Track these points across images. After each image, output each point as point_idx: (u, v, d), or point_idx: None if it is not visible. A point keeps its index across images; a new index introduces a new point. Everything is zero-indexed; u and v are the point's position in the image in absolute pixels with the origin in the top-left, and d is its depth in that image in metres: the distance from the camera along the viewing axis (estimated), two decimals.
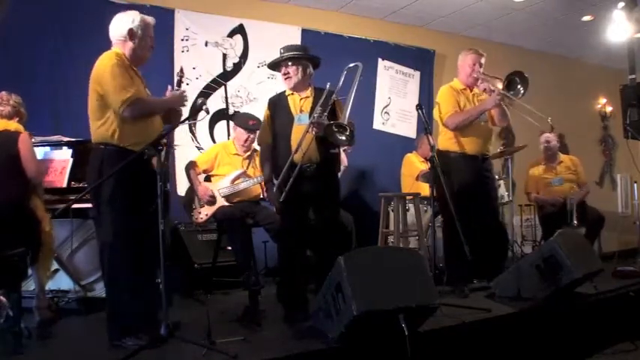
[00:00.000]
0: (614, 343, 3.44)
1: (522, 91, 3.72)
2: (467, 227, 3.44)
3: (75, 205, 3.31)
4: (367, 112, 5.93)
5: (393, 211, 4.45)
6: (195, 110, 3.17)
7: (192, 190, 4.19)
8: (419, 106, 3.83)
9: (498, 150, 5.21)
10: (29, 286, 3.48)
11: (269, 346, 2.69)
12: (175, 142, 4.16)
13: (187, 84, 5.02)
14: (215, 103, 5.18)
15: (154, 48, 2.97)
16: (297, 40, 5.38)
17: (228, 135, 5.13)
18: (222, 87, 5.28)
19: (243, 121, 4.26)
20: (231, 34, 5.33)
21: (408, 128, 6.22)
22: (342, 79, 3.37)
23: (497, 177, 4.96)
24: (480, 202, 3.87)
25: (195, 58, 5.12)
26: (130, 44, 2.80)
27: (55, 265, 3.66)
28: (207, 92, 5.16)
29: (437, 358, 2.79)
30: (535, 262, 3.55)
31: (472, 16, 6.10)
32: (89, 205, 3.45)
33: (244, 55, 5.38)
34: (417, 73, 6.33)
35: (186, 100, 3.01)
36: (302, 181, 3.16)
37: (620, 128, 5.18)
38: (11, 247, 2.91)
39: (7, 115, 3.25)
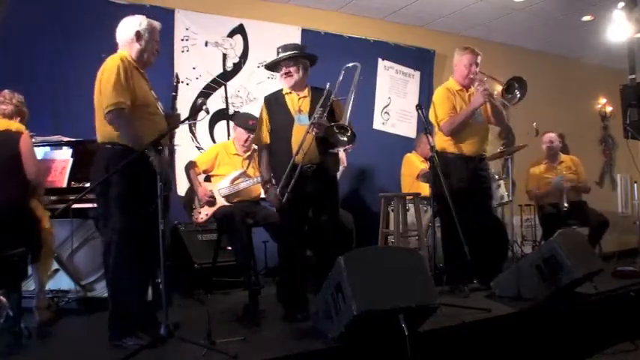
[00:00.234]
0: (614, 343, 3.44)
1: (518, 97, 3.72)
2: (466, 227, 3.44)
3: (75, 205, 3.31)
4: (367, 112, 5.94)
5: (393, 211, 4.45)
6: (195, 110, 3.17)
7: (192, 190, 4.19)
8: (419, 106, 3.84)
9: (498, 150, 5.21)
10: (29, 286, 3.48)
11: (269, 346, 2.69)
12: (175, 142, 4.16)
13: (187, 84, 5.04)
14: (215, 103, 5.19)
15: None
16: (297, 40, 5.38)
17: (228, 135, 5.13)
18: (222, 87, 5.28)
19: (243, 121, 4.26)
20: (231, 34, 5.33)
21: (408, 128, 6.22)
22: (341, 78, 3.35)
23: (497, 177, 4.98)
24: (477, 202, 3.87)
25: (195, 58, 5.12)
26: (136, 46, 2.82)
27: (55, 265, 3.66)
28: (207, 92, 5.16)
29: (437, 358, 2.79)
30: (535, 262, 3.56)
31: (472, 16, 6.10)
32: (89, 205, 3.48)
33: (244, 55, 5.38)
34: (417, 73, 6.33)
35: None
36: (302, 181, 3.16)
37: (620, 128, 5.19)
38: (11, 247, 2.91)
39: (9, 114, 3.24)
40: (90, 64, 4.45)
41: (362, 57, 5.80)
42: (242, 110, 5.22)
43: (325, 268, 2.79)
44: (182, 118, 3.03)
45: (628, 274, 4.38)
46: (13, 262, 2.90)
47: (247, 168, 4.22)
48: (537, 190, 5.33)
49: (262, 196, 4.20)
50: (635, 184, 6.90)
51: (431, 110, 3.98)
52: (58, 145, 3.87)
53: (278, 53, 3.38)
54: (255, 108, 5.05)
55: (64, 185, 3.65)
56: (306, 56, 3.39)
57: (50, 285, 3.64)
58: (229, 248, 4.16)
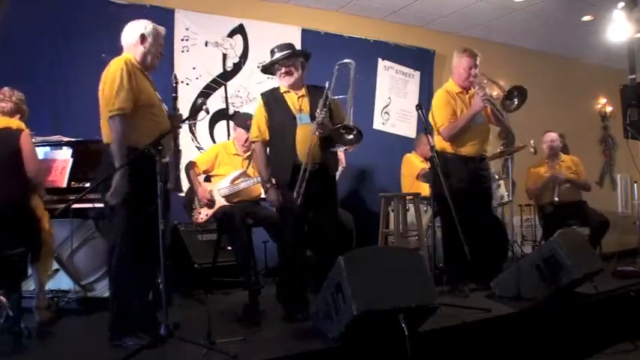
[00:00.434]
0: (614, 343, 3.44)
1: (515, 104, 3.74)
2: (466, 227, 3.44)
3: (75, 205, 3.31)
4: (367, 112, 5.93)
5: (393, 211, 4.45)
6: (195, 110, 3.18)
7: (192, 191, 4.19)
8: (419, 106, 3.83)
9: (498, 150, 5.21)
10: (29, 286, 3.48)
11: (269, 346, 2.69)
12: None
13: (187, 84, 5.04)
14: (215, 103, 5.19)
15: None
16: (297, 39, 5.38)
17: (228, 135, 5.13)
18: (222, 87, 5.28)
19: (243, 121, 4.26)
20: (231, 34, 5.33)
21: (407, 128, 6.22)
22: (335, 75, 3.33)
23: (497, 177, 4.98)
24: (477, 202, 3.87)
25: (195, 58, 5.12)
26: (141, 48, 2.85)
27: (55, 265, 3.66)
28: (207, 92, 5.16)
29: (437, 358, 2.79)
30: (535, 262, 3.56)
31: (472, 16, 6.10)
32: (89, 205, 3.49)
33: (244, 55, 5.38)
34: (417, 73, 6.33)
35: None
36: (306, 181, 3.15)
37: (620, 128, 5.19)
38: (11, 246, 2.91)
39: (8, 111, 3.23)
40: (90, 64, 4.52)
41: (362, 57, 5.87)
42: (242, 110, 5.22)
43: (325, 268, 2.78)
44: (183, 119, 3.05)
45: (628, 274, 4.38)
46: (13, 262, 2.90)
47: (247, 168, 4.22)
48: (534, 185, 5.34)
49: (262, 196, 4.21)
50: (635, 184, 6.90)
51: (430, 113, 3.98)
52: (58, 145, 3.87)
53: (273, 54, 3.37)
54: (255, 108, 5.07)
55: (64, 185, 3.65)
56: (303, 54, 3.42)
57: (50, 285, 3.64)
58: (229, 248, 4.16)
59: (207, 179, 4.28)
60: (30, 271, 3.25)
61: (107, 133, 2.76)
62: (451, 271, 3.90)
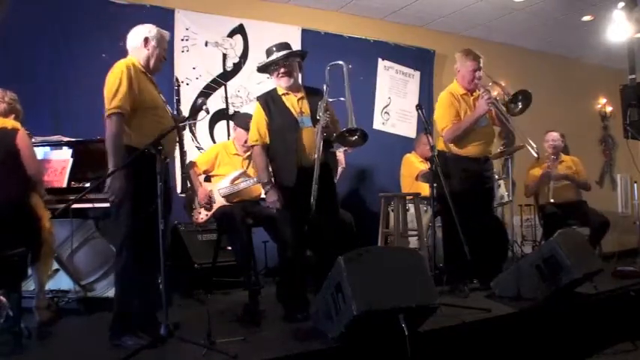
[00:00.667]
0: (614, 343, 3.44)
1: (519, 108, 3.76)
2: (467, 227, 3.44)
3: (75, 205, 3.31)
4: (367, 112, 5.93)
5: (393, 211, 4.45)
6: (195, 110, 3.19)
7: (192, 191, 4.19)
8: (419, 106, 3.84)
9: (498, 150, 5.21)
10: (29, 286, 3.48)
11: (269, 346, 2.69)
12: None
13: (187, 84, 5.04)
14: (215, 103, 5.18)
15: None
16: (297, 40, 5.38)
17: (228, 135, 5.13)
18: (222, 87, 5.28)
19: (243, 121, 4.25)
20: (231, 34, 5.33)
21: (408, 128, 6.22)
22: (327, 77, 3.32)
23: (497, 177, 4.97)
24: (480, 203, 3.88)
25: (195, 58, 5.12)
26: (144, 51, 2.90)
27: (55, 265, 3.66)
28: (207, 92, 5.15)
29: (437, 358, 2.79)
30: (535, 262, 3.56)
31: (472, 16, 6.10)
32: (89, 205, 3.49)
33: (244, 55, 5.38)
34: (417, 73, 6.33)
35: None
36: (305, 181, 3.15)
37: (620, 128, 5.18)
38: (11, 246, 2.91)
39: (2, 112, 3.22)
40: (90, 64, 4.53)
41: (362, 57, 5.89)
42: (242, 110, 5.22)
43: (325, 268, 2.78)
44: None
45: (628, 274, 4.38)
46: (13, 262, 2.89)
47: (247, 168, 4.22)
48: (531, 183, 5.34)
49: (262, 196, 4.21)
50: (635, 184, 6.90)
51: (435, 114, 3.99)
52: (58, 145, 3.87)
53: (271, 53, 3.35)
54: None
55: (64, 185, 3.65)
56: (300, 54, 3.42)
57: (50, 285, 3.64)
58: (229, 248, 4.16)
59: (207, 179, 4.28)
60: (30, 271, 3.25)
61: None
62: (451, 271, 3.90)
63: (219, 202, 4.08)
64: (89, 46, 4.59)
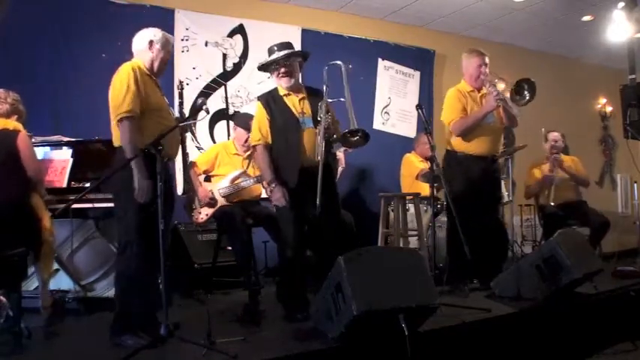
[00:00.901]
0: (614, 343, 3.44)
1: (527, 99, 3.78)
2: (472, 227, 3.46)
3: (75, 205, 3.31)
4: (367, 112, 5.93)
5: (393, 211, 4.45)
6: (195, 110, 3.19)
7: (192, 191, 4.19)
8: (419, 106, 3.84)
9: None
10: (29, 286, 3.48)
11: (269, 346, 2.69)
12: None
13: (187, 84, 5.03)
14: (215, 103, 5.19)
15: None
16: (297, 40, 5.38)
17: (228, 135, 5.13)
18: (222, 87, 5.28)
19: (244, 121, 4.25)
20: (231, 34, 5.33)
21: (407, 128, 6.22)
22: (325, 77, 3.32)
23: None
24: (485, 203, 3.89)
25: (195, 58, 5.12)
26: (149, 54, 2.93)
27: (55, 265, 3.66)
28: (207, 92, 5.16)
29: (437, 358, 2.79)
30: (535, 262, 3.56)
31: (472, 16, 6.10)
32: (89, 205, 3.49)
33: (244, 55, 5.38)
34: (417, 73, 6.33)
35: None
36: (307, 181, 3.15)
37: (620, 128, 5.18)
38: (11, 246, 2.91)
39: (4, 113, 3.22)
40: (90, 64, 4.53)
41: (362, 57, 5.89)
42: (242, 110, 5.22)
43: (325, 268, 2.78)
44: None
45: (628, 274, 4.38)
46: (13, 262, 2.89)
47: (247, 168, 4.22)
48: (533, 183, 5.34)
49: (263, 195, 4.21)
50: (635, 184, 6.90)
51: (443, 111, 4.02)
52: (58, 145, 3.87)
53: (272, 52, 3.35)
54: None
55: (64, 185, 3.65)
56: (302, 54, 3.41)
57: (50, 285, 3.64)
58: (229, 248, 4.16)
59: (207, 179, 4.28)
60: (30, 272, 3.25)
61: (116, 134, 2.83)
62: (451, 271, 3.91)
63: (219, 202, 4.08)
64: (89, 46, 4.59)
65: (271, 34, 5.31)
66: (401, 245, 4.24)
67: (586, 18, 6.24)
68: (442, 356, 2.82)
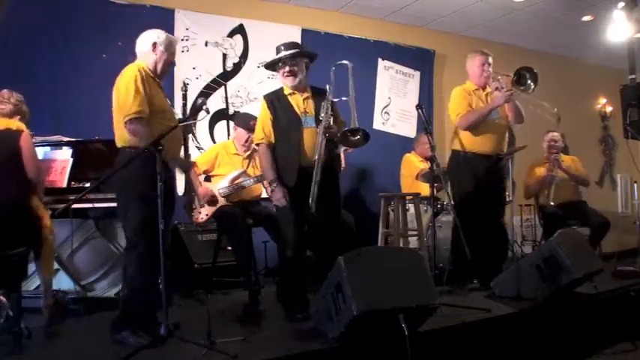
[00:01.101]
0: (614, 343, 3.44)
1: (533, 86, 3.81)
2: (472, 227, 3.46)
3: (75, 205, 3.31)
4: (367, 112, 5.93)
5: (393, 211, 4.45)
6: (195, 110, 3.20)
7: (192, 191, 4.18)
8: (419, 106, 3.85)
9: None
10: (29, 286, 3.48)
11: (269, 346, 2.69)
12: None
13: (187, 84, 5.03)
14: (215, 103, 5.18)
15: None
16: (297, 40, 5.37)
17: (228, 135, 5.13)
18: (222, 87, 5.28)
19: (244, 121, 4.25)
20: (231, 34, 5.33)
21: (407, 128, 6.22)
22: (333, 77, 3.33)
23: None
24: (488, 203, 3.90)
25: (195, 58, 5.12)
26: (152, 57, 2.94)
27: (55, 265, 3.66)
28: (207, 92, 5.16)
29: (437, 358, 2.79)
30: (535, 262, 3.56)
31: (472, 16, 6.10)
32: (89, 205, 3.49)
33: (244, 55, 5.38)
34: (417, 73, 6.33)
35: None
36: (307, 181, 3.15)
37: (620, 128, 5.18)
38: (11, 246, 2.91)
39: (8, 113, 3.22)
40: (90, 64, 4.54)
41: (362, 57, 5.89)
42: (242, 110, 5.22)
43: (326, 268, 2.78)
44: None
45: (628, 274, 4.38)
46: (13, 261, 2.90)
47: (247, 168, 4.22)
48: (532, 182, 5.34)
49: (263, 195, 4.21)
50: (635, 184, 6.90)
51: (449, 107, 4.06)
52: (58, 145, 3.87)
53: (279, 51, 3.36)
54: (255, 108, 5.04)
55: (64, 185, 3.65)
56: (309, 55, 3.40)
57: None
58: (229, 248, 4.16)
59: (207, 179, 4.27)
60: (30, 271, 3.25)
61: (121, 136, 2.84)
62: (452, 271, 3.91)
63: (220, 201, 4.08)
64: (89, 46, 4.59)
65: (271, 34, 5.32)
66: (401, 245, 4.23)
67: (586, 18, 6.24)
68: (442, 356, 2.82)
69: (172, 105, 3.15)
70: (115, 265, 3.82)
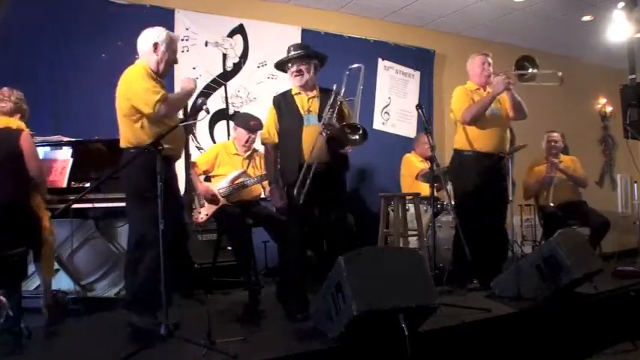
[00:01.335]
0: (614, 343, 3.44)
1: (534, 72, 3.87)
2: (472, 227, 3.46)
3: (75, 205, 3.31)
4: (367, 112, 5.92)
5: (393, 211, 4.45)
6: (195, 110, 3.21)
7: (193, 191, 4.18)
8: (419, 106, 3.85)
9: None
10: (29, 286, 3.48)
11: (269, 346, 2.69)
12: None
13: None
14: (215, 103, 5.18)
15: None
16: (297, 40, 5.37)
17: (228, 135, 5.13)
18: (222, 87, 5.28)
19: (244, 121, 4.26)
20: (231, 34, 5.33)
21: (407, 128, 6.22)
22: (345, 79, 3.35)
23: None
24: (489, 203, 3.89)
25: (195, 58, 5.12)
26: (154, 56, 2.94)
27: (55, 265, 3.66)
28: (207, 92, 5.16)
29: (437, 358, 2.79)
30: (535, 262, 3.56)
31: (472, 16, 6.10)
32: (89, 205, 3.49)
33: (244, 55, 5.38)
34: (417, 73, 6.33)
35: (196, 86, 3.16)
36: (311, 181, 3.14)
37: (620, 128, 5.18)
38: (12, 246, 2.91)
39: (8, 111, 3.21)
40: (90, 64, 4.54)
41: (362, 57, 5.80)
42: (242, 110, 5.22)
43: (326, 268, 2.78)
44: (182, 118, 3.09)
45: (628, 274, 4.38)
46: (13, 261, 2.89)
47: (247, 168, 4.22)
48: (532, 182, 5.34)
49: (263, 195, 4.21)
50: (635, 184, 6.90)
51: (452, 106, 4.07)
52: (58, 145, 3.87)
53: (289, 52, 3.39)
54: (255, 108, 5.07)
55: (64, 185, 3.65)
56: (318, 56, 3.42)
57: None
58: (229, 248, 4.16)
59: (207, 179, 4.28)
60: (30, 272, 3.25)
61: (126, 137, 2.85)
62: (452, 271, 3.91)
63: (220, 201, 4.08)
64: (89, 46, 4.59)
65: (271, 34, 5.33)
66: (401, 245, 4.23)
67: (586, 18, 6.24)
68: (442, 356, 2.81)
69: (184, 110, 3.15)
70: (115, 265, 3.83)
